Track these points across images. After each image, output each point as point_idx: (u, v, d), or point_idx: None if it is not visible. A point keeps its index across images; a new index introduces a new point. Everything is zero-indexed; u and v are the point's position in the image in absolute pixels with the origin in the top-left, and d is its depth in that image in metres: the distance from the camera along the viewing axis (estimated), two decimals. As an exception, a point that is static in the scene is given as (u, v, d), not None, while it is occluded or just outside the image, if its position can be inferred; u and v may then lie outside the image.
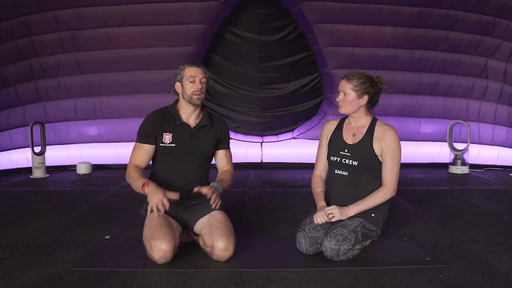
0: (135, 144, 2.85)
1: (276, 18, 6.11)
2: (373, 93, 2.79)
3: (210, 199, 2.67)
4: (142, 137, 2.83)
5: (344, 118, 2.99)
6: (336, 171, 2.86)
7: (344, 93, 2.78)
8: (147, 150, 2.81)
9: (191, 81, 2.78)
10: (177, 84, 2.85)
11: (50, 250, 2.86)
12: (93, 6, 5.60)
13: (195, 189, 2.68)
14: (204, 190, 2.66)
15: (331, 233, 2.60)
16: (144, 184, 2.62)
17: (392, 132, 2.79)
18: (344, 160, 2.82)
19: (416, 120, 6.18)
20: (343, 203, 2.76)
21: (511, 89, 6.07)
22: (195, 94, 2.77)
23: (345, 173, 2.82)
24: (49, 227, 3.38)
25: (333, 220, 2.68)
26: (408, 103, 6.11)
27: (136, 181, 2.69)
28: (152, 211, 2.57)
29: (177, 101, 2.92)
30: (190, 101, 2.80)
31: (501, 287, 2.28)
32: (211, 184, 2.78)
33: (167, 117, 2.85)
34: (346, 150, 2.83)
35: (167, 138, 2.81)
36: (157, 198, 2.53)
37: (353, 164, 2.79)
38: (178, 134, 2.82)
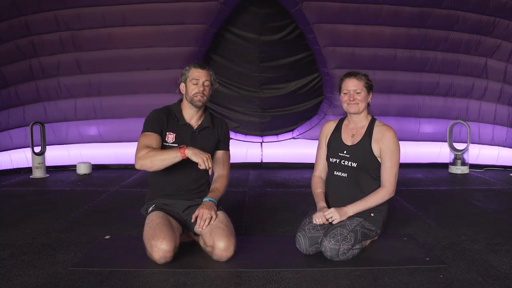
0: (141, 134, 2.78)
1: (276, 18, 6.11)
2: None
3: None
4: (149, 127, 2.79)
5: (342, 118, 2.99)
6: (335, 173, 2.86)
7: (358, 91, 2.79)
8: (155, 137, 2.76)
9: (194, 83, 2.79)
10: (182, 85, 2.87)
11: (50, 250, 2.86)
12: (93, 6, 5.60)
13: (192, 220, 2.70)
14: (196, 213, 2.68)
15: (330, 233, 2.60)
16: (181, 147, 2.61)
17: (390, 133, 2.79)
18: (343, 162, 2.82)
19: (416, 120, 6.18)
20: (343, 204, 2.75)
21: (511, 89, 6.07)
22: (196, 96, 2.78)
23: (344, 175, 2.82)
24: (49, 227, 3.38)
25: (334, 223, 2.68)
26: (408, 103, 6.11)
27: (164, 152, 2.64)
28: (205, 168, 2.60)
29: (180, 101, 2.92)
30: (191, 102, 2.81)
31: (501, 287, 2.29)
32: (205, 199, 2.77)
33: (170, 116, 2.85)
34: (345, 152, 2.83)
35: (171, 137, 2.81)
36: (205, 156, 2.57)
37: (352, 165, 2.79)
38: (181, 134, 2.82)
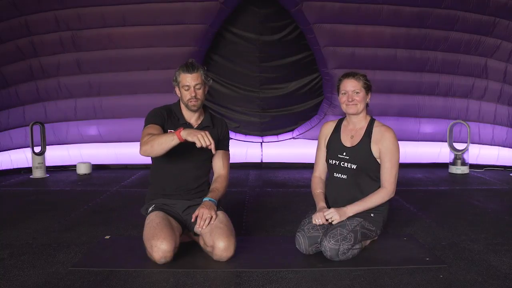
0: (144, 127, 2.74)
1: (276, 18, 6.11)
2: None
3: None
4: (151, 121, 2.76)
5: (342, 119, 2.99)
6: (335, 174, 2.86)
7: (357, 92, 2.78)
8: (158, 127, 2.73)
9: (186, 89, 2.77)
10: (176, 88, 2.86)
11: (50, 250, 2.86)
12: (93, 6, 5.61)
13: (192, 220, 2.68)
14: (196, 213, 2.67)
15: (330, 233, 2.60)
16: (178, 131, 2.51)
17: (390, 134, 2.79)
18: (342, 163, 2.82)
19: (416, 120, 6.18)
20: (342, 205, 2.75)
21: (511, 89, 6.07)
22: (190, 101, 2.77)
23: (344, 176, 2.81)
24: (49, 227, 3.38)
25: (333, 223, 2.68)
26: (408, 103, 6.11)
27: (163, 136, 2.55)
28: (201, 146, 2.45)
29: (180, 100, 2.92)
30: (187, 107, 2.82)
31: (501, 287, 2.29)
32: (205, 199, 2.76)
33: (171, 115, 2.85)
34: (344, 153, 2.83)
35: None
36: (201, 133, 2.44)
37: (352, 167, 2.79)
38: None
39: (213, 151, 2.49)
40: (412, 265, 2.56)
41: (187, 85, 2.76)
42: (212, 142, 2.46)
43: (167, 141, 2.51)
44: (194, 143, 2.79)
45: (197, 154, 2.85)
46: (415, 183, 5.16)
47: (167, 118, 2.82)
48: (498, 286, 2.29)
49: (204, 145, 2.44)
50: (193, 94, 2.76)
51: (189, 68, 2.77)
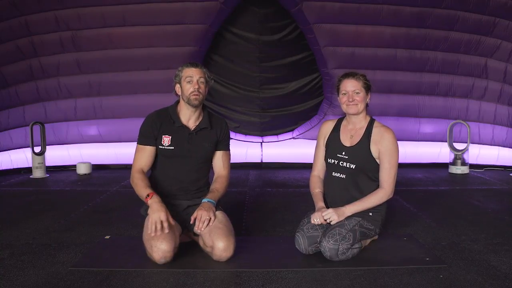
0: (137, 146, 2.84)
1: (276, 18, 6.11)
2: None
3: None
4: (143, 139, 2.82)
5: (341, 118, 2.99)
6: (333, 174, 2.86)
7: (357, 92, 2.78)
8: (149, 152, 2.80)
9: (188, 82, 2.76)
10: (177, 86, 2.84)
11: (50, 250, 2.86)
12: (93, 6, 5.61)
13: (191, 222, 2.69)
14: (194, 215, 2.68)
15: (329, 233, 2.60)
16: (148, 195, 2.65)
17: (389, 134, 2.79)
18: (341, 163, 2.81)
19: (416, 120, 6.18)
20: (341, 205, 2.75)
21: (511, 89, 6.08)
22: (193, 94, 2.74)
23: (343, 176, 2.81)
24: (49, 227, 3.38)
25: (332, 223, 2.68)
26: (408, 103, 6.12)
27: (140, 190, 2.71)
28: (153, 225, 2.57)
29: (177, 102, 2.90)
30: (188, 102, 2.77)
31: (501, 287, 2.29)
32: (204, 200, 2.76)
33: (167, 119, 2.83)
34: (343, 153, 2.82)
35: (166, 140, 2.79)
36: (157, 216, 2.55)
37: (351, 167, 2.79)
38: (177, 136, 2.80)
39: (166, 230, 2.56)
40: (412, 265, 2.56)
41: (190, 76, 2.76)
42: (166, 227, 2.53)
43: (140, 195, 2.72)
44: (191, 146, 2.80)
45: (196, 157, 2.85)
46: (415, 183, 5.17)
47: (161, 123, 2.80)
48: (498, 286, 2.30)
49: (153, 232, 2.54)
50: (196, 87, 2.75)
51: (193, 64, 2.83)
